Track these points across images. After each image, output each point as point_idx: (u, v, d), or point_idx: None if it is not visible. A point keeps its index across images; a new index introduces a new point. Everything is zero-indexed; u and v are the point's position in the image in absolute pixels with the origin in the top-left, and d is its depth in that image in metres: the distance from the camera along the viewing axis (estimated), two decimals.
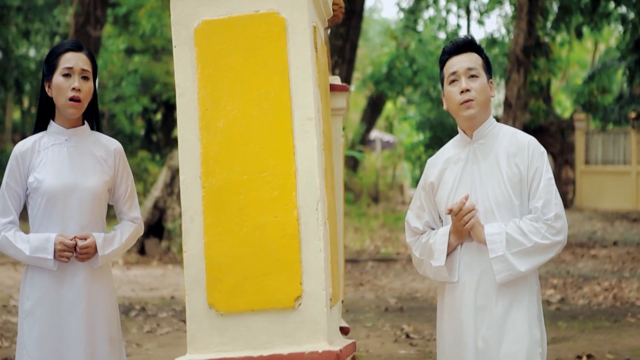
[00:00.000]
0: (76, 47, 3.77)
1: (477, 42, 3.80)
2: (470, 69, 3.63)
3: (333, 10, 6.30)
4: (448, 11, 21.21)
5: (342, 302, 6.06)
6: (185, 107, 3.42)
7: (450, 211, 3.60)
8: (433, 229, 3.79)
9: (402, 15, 22.86)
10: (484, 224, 3.59)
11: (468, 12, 20.61)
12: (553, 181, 3.62)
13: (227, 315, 3.35)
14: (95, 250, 3.74)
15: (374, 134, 31.65)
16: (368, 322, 9.69)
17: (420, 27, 22.46)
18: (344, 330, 5.78)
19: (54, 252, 3.67)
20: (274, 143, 3.35)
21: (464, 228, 3.59)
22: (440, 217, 3.78)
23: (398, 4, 22.19)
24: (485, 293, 3.59)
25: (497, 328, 3.56)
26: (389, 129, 27.86)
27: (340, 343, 3.55)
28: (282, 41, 3.38)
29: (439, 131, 22.08)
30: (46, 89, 3.77)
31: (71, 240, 3.68)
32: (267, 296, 3.32)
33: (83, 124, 3.87)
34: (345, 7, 14.92)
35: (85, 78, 3.76)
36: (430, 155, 3.97)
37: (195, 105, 3.40)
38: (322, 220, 3.34)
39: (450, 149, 3.79)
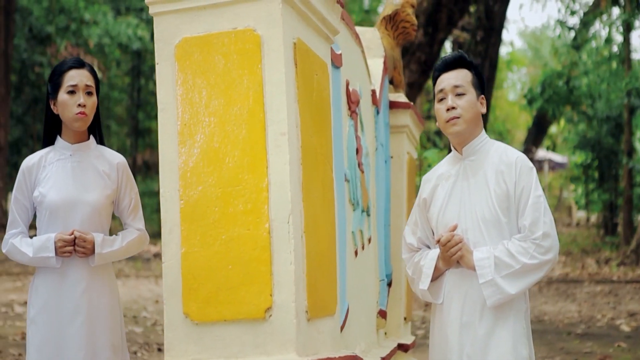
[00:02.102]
0: (78, 64, 3.95)
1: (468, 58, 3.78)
2: (456, 86, 3.63)
3: (404, 27, 6.35)
4: (610, 25, 20.51)
5: (405, 319, 6.04)
6: (165, 122, 3.55)
7: (438, 241, 3.60)
8: (427, 244, 3.81)
9: (566, 32, 22.30)
10: (473, 248, 3.59)
11: (629, 28, 19.88)
12: (542, 198, 3.57)
13: (201, 325, 3.43)
14: (94, 248, 3.88)
15: (543, 154, 30.98)
16: None
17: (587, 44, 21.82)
18: (404, 347, 5.78)
19: (55, 249, 3.84)
20: (248, 157, 3.42)
21: (451, 259, 3.59)
22: (433, 233, 3.78)
23: (560, 22, 21.66)
24: (470, 311, 3.60)
25: (481, 346, 3.56)
26: (552, 148, 27.27)
27: (319, 355, 3.59)
28: (257, 57, 3.45)
29: (597, 151, 21.41)
30: (52, 106, 3.96)
31: (70, 235, 3.84)
32: (239, 307, 3.39)
33: (88, 138, 4.04)
34: (484, 24, 14.88)
35: (89, 93, 3.93)
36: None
37: (175, 120, 3.52)
38: (293, 233, 3.39)
39: (444, 165, 3.80)
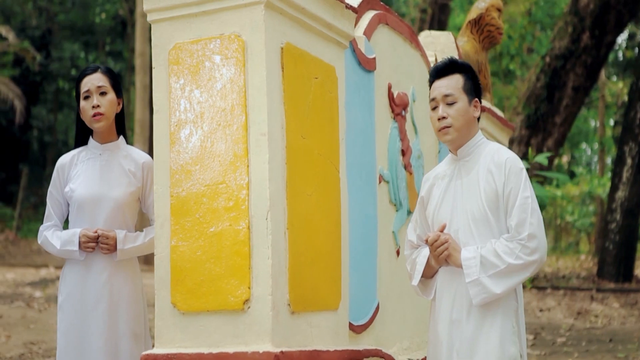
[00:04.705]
0: (91, 70, 4.23)
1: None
2: (447, 95, 3.66)
3: (489, 31, 6.35)
4: None
5: None
6: (159, 123, 3.78)
7: (426, 241, 3.68)
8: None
9: None
10: (462, 245, 3.63)
11: None
12: (530, 200, 3.56)
13: (187, 314, 3.64)
14: (116, 244, 4.15)
15: None
16: (621, 353, 9.31)
17: None
18: None
19: (79, 243, 4.14)
20: (231, 157, 3.61)
21: (439, 258, 3.65)
22: (431, 231, 3.84)
23: None
24: (460, 308, 3.64)
25: (469, 342, 3.60)
26: None
27: (307, 347, 3.72)
28: (241, 61, 3.63)
29: None
30: (80, 115, 4.28)
31: (94, 232, 4.13)
32: (220, 298, 3.57)
33: (117, 138, 4.34)
34: None
35: (102, 93, 4.19)
36: None
37: (167, 121, 3.75)
38: (272, 229, 3.54)
39: (442, 165, 3.86)
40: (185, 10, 3.76)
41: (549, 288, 15.15)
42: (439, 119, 3.67)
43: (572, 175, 28.96)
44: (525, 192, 3.55)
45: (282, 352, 3.48)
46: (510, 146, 14.91)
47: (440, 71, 3.73)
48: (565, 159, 32.12)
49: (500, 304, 3.57)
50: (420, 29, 19.97)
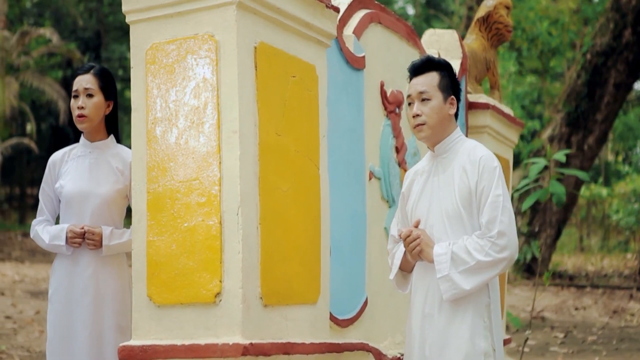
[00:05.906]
0: (84, 70, 4.35)
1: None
2: (421, 92, 3.71)
3: (497, 29, 6.37)
4: None
5: None
6: (137, 121, 3.88)
7: (400, 235, 3.76)
8: None
9: None
10: (436, 241, 3.68)
11: None
12: (502, 198, 3.60)
13: (162, 307, 3.74)
14: (102, 240, 4.27)
15: None
16: None
17: None
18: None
19: (66, 239, 4.27)
20: (204, 154, 3.70)
21: (412, 253, 3.71)
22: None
23: None
24: (431, 303, 3.70)
25: (440, 337, 3.66)
26: None
27: (281, 340, 3.81)
28: (214, 61, 3.72)
29: None
30: None
31: (80, 229, 4.26)
32: (193, 291, 3.67)
33: (108, 137, 4.46)
34: None
35: (89, 95, 4.31)
36: None
37: (144, 120, 3.85)
38: (243, 224, 3.63)
39: (423, 161, 3.92)
40: (162, 11, 3.84)
41: (588, 287, 15.03)
42: (413, 116, 3.72)
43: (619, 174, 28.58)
44: (497, 190, 3.59)
45: (251, 343, 3.56)
46: (550, 144, 14.82)
47: (416, 69, 3.78)
48: (619, 157, 31.73)
49: (471, 299, 3.62)
50: (467, 26, 19.90)
